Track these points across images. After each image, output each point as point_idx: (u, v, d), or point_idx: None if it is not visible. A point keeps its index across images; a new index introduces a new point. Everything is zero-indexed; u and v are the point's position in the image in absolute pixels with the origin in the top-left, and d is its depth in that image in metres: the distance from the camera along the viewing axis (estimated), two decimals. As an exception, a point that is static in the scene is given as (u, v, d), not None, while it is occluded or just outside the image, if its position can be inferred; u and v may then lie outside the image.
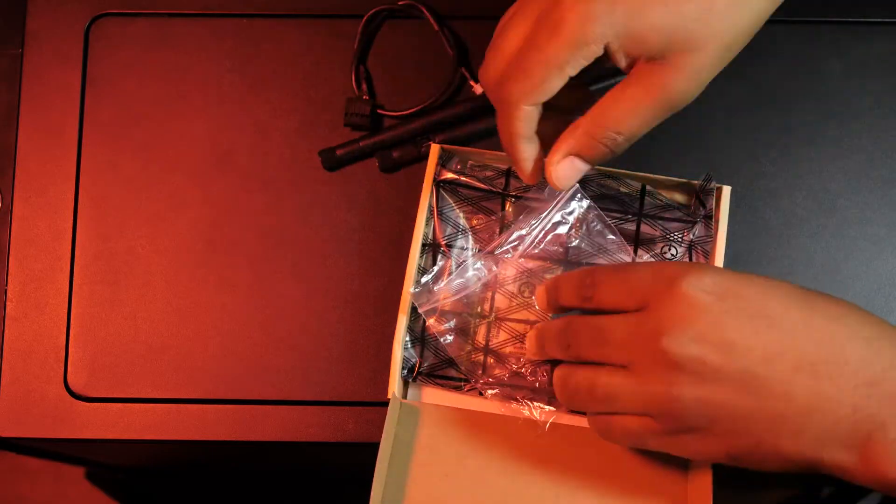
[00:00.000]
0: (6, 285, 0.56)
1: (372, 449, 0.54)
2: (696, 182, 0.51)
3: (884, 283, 0.54)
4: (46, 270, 0.56)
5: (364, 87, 0.57)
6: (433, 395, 0.53)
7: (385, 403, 0.54)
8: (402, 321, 0.51)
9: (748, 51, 0.57)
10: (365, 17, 0.57)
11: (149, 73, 0.58)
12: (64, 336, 0.55)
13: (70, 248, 0.56)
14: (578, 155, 0.45)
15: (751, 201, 0.53)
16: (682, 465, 0.49)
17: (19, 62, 0.58)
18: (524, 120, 0.45)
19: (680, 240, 0.51)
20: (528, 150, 0.46)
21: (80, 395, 0.55)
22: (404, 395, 0.52)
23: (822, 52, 0.57)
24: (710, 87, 0.56)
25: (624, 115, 0.43)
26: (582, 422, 0.50)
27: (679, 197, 0.53)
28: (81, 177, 0.57)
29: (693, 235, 0.51)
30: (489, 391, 0.51)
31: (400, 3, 0.57)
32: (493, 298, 0.52)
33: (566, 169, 0.45)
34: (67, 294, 0.56)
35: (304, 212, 0.55)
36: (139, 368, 0.55)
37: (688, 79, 0.43)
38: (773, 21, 0.57)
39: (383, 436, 0.49)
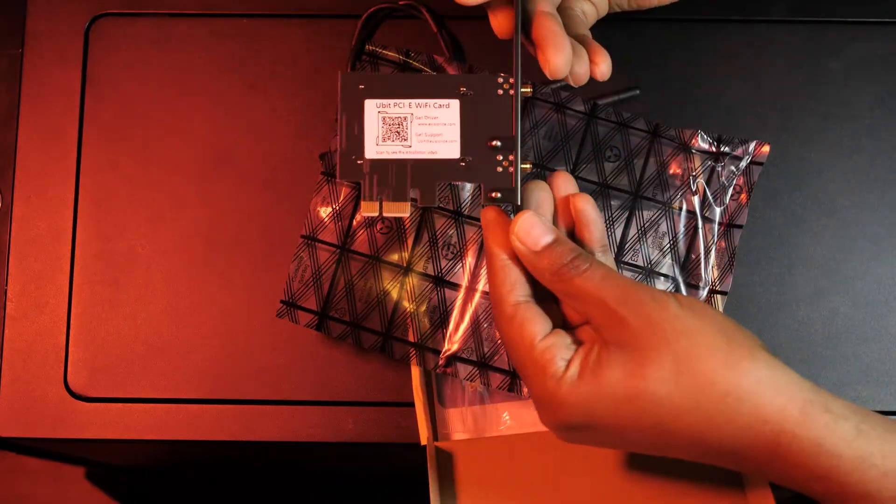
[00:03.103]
0: (6, 285, 0.56)
1: (371, 449, 0.55)
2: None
3: (884, 283, 0.54)
4: (46, 270, 0.56)
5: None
6: (459, 417, 0.53)
7: (385, 404, 0.54)
8: (417, 373, 0.52)
9: (748, 50, 0.57)
10: (364, 16, 0.57)
11: (149, 73, 0.58)
12: (64, 336, 0.55)
13: (70, 248, 0.56)
14: None
15: (751, 201, 0.53)
16: (737, 476, 0.49)
17: (19, 62, 0.58)
18: None
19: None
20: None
21: (80, 395, 0.55)
22: (433, 421, 0.52)
23: (822, 52, 0.57)
24: (710, 86, 0.57)
25: None
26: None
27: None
28: (81, 177, 0.57)
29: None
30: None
31: (401, 2, 0.57)
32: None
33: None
34: (67, 294, 0.56)
35: (303, 212, 0.55)
36: (139, 368, 0.55)
37: None
38: (774, 21, 0.58)
39: (430, 486, 0.48)
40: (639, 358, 0.38)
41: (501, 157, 0.43)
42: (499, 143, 0.42)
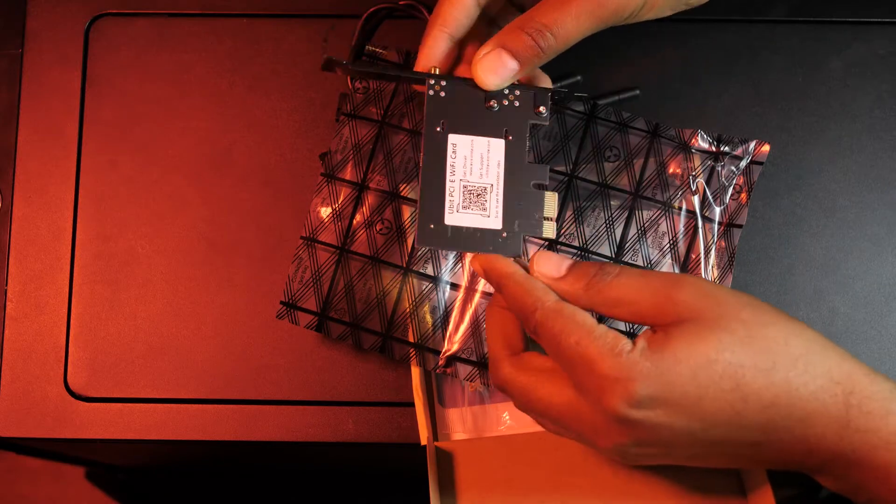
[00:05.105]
0: (6, 285, 0.56)
1: (371, 449, 0.55)
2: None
3: (884, 283, 0.54)
4: (46, 270, 0.56)
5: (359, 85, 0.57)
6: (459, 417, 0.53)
7: (385, 404, 0.54)
8: (417, 373, 0.52)
9: (748, 51, 0.57)
10: (364, 16, 0.57)
11: (149, 73, 0.58)
12: (64, 336, 0.55)
13: (70, 248, 0.56)
14: (505, 47, 0.43)
15: (751, 200, 0.53)
16: (736, 476, 0.49)
17: (19, 62, 0.58)
18: (455, 5, 0.45)
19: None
20: (440, 41, 0.45)
21: (80, 395, 0.55)
22: (433, 421, 0.52)
23: (822, 52, 0.57)
24: (710, 86, 0.57)
25: (559, 13, 0.43)
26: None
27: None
28: (81, 177, 0.57)
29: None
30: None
31: (401, 2, 0.57)
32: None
33: (492, 60, 0.44)
34: (67, 294, 0.56)
35: (303, 212, 0.55)
36: (139, 368, 0.55)
37: None
38: (774, 20, 0.58)
39: (430, 486, 0.48)
40: (709, 326, 0.38)
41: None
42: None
